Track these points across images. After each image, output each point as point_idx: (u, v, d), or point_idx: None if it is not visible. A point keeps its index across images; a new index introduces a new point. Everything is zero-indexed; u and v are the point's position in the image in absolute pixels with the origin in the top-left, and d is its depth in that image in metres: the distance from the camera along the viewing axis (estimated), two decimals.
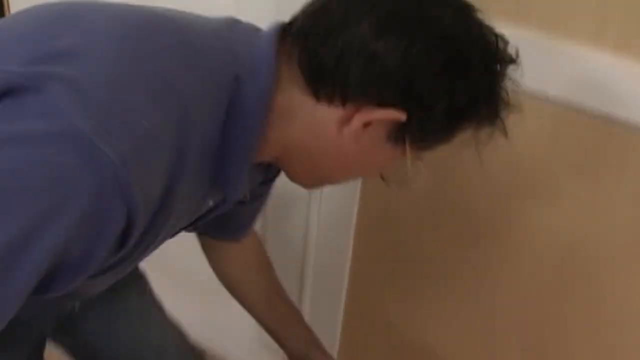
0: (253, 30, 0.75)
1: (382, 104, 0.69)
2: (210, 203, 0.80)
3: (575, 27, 0.94)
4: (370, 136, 0.72)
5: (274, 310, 1.13)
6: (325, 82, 0.69)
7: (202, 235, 1.09)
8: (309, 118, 0.71)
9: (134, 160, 0.58)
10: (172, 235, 0.81)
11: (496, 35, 0.71)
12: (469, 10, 0.71)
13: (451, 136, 0.74)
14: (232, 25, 0.74)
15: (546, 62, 0.96)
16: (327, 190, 1.32)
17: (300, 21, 0.71)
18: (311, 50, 0.68)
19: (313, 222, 1.39)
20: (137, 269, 1.11)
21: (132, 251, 0.68)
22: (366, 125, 0.70)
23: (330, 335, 1.47)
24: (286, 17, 0.74)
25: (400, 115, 0.69)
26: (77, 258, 0.60)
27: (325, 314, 1.48)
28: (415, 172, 0.78)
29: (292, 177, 0.81)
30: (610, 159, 0.99)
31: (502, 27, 0.72)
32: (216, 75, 0.68)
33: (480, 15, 0.71)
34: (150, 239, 0.69)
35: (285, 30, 0.72)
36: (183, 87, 0.65)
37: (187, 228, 0.87)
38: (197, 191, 0.73)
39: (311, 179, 0.82)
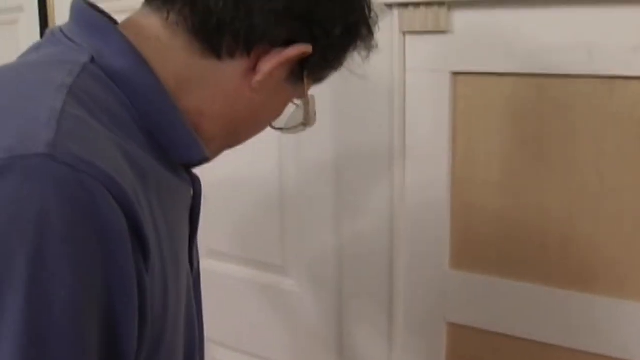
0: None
1: (288, 41, 0.68)
2: (191, 192, 0.76)
3: None
4: (274, 80, 0.71)
5: None
6: (226, 36, 0.66)
7: None
8: (215, 80, 0.69)
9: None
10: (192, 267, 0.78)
11: None
12: None
13: (343, 61, 0.76)
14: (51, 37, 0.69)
15: None
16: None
17: None
18: (203, 7, 0.66)
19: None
20: None
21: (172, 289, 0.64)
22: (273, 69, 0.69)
23: None
24: None
25: (307, 48, 0.69)
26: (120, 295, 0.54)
27: None
28: (311, 110, 0.79)
29: (206, 144, 0.73)
30: None
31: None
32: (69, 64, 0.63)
33: None
34: (170, 266, 0.65)
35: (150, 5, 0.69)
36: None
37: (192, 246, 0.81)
38: (167, 189, 0.68)
39: (223, 143, 0.77)
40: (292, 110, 0.81)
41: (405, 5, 1.19)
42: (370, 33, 0.75)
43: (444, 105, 1.21)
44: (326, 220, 1.42)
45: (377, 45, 0.77)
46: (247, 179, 1.51)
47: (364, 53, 0.76)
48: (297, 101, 0.79)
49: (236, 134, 0.77)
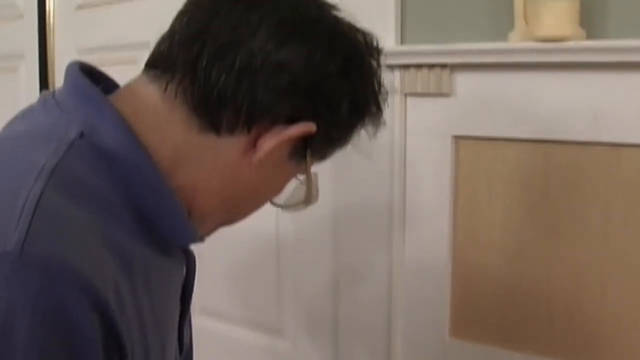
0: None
1: (291, 118, 0.65)
2: (184, 271, 0.73)
3: None
4: (275, 158, 0.67)
5: None
6: (226, 111, 0.63)
7: None
8: (212, 156, 0.65)
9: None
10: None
11: (363, 31, 0.70)
12: (333, 8, 0.69)
13: (349, 139, 0.72)
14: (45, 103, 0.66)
15: None
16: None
17: (172, 54, 0.65)
18: (204, 80, 0.63)
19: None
20: None
21: None
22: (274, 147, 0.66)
23: None
24: None
25: (311, 127, 0.66)
26: None
27: None
28: (313, 187, 0.74)
29: (201, 220, 0.70)
30: None
31: None
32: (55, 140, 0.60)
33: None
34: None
35: (150, 73, 0.66)
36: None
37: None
38: (160, 270, 0.65)
39: (220, 219, 0.73)
40: (292, 187, 0.76)
41: (407, 67, 1.17)
42: (379, 110, 0.71)
43: (445, 169, 1.18)
44: (323, 283, 1.39)
45: (385, 123, 0.73)
46: (244, 237, 1.49)
47: (371, 130, 0.72)
48: (299, 176, 0.75)
49: (234, 211, 0.73)
